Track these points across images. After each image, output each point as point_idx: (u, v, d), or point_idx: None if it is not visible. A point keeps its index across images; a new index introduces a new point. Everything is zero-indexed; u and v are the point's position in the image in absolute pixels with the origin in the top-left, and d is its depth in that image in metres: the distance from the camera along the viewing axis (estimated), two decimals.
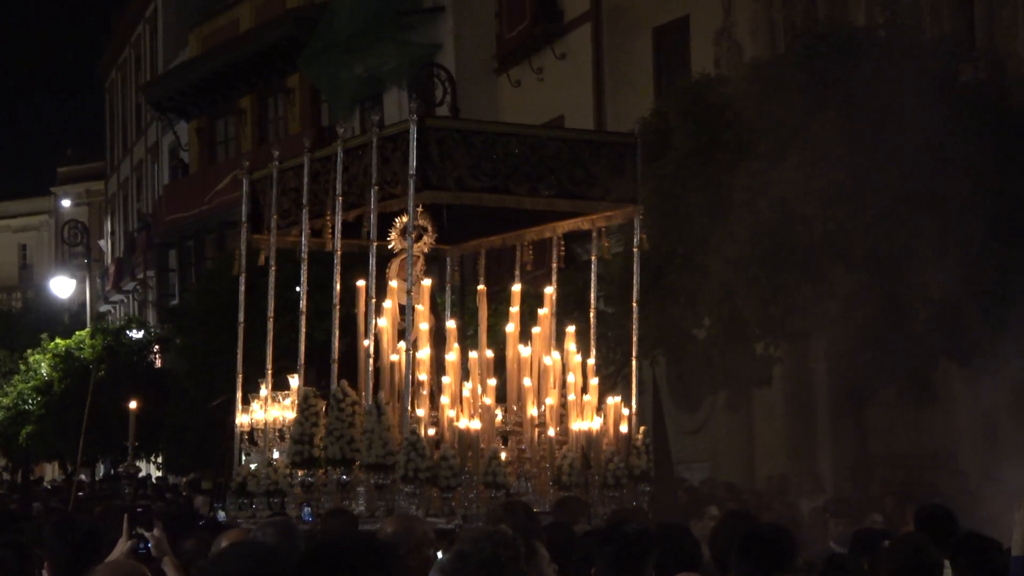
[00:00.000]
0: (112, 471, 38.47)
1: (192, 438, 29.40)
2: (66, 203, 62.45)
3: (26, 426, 36.70)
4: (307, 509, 12.75)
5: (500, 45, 30.87)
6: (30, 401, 36.83)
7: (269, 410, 14.06)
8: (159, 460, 35.53)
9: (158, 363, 38.04)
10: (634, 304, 13.95)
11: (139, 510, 7.94)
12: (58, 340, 37.37)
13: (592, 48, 28.41)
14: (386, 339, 13.26)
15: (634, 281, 13.92)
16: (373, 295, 13.15)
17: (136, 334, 38.18)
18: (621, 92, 27.25)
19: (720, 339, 18.47)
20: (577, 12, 28.93)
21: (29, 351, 38.10)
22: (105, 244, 57.96)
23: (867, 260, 16.89)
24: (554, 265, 14.71)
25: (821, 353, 21.04)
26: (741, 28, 24.30)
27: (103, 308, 54.88)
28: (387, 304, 13.41)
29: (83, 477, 38.22)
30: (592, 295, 14.45)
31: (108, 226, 58.21)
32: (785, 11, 23.48)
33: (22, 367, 37.93)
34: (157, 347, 37.70)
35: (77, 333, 38.69)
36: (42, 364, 36.91)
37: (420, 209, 13.49)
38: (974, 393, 19.13)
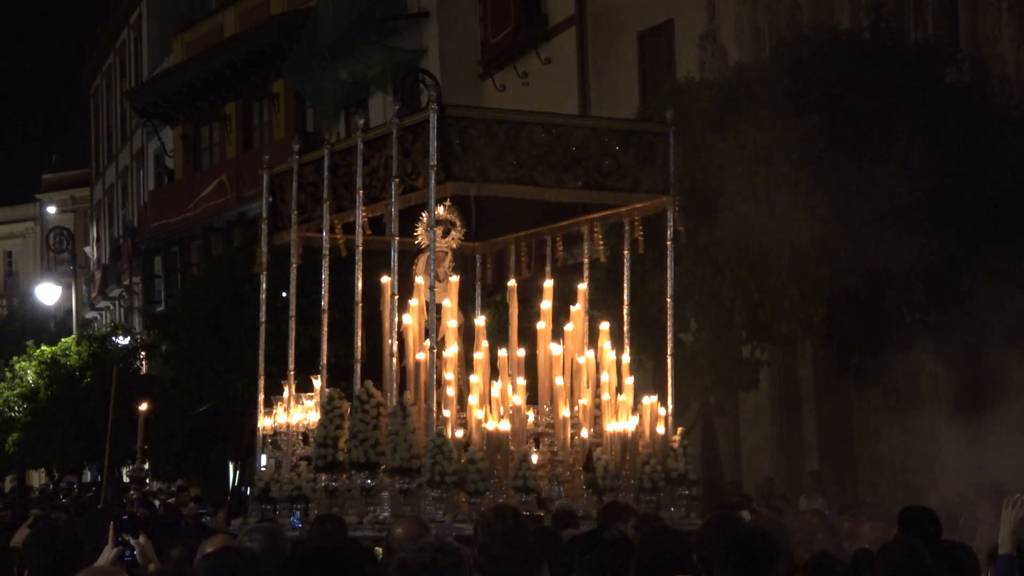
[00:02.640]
0: (99, 477, 38.38)
1: (178, 445, 29.34)
2: (51, 210, 62.33)
3: (12, 433, 36.62)
4: (296, 514, 12.67)
5: (485, 50, 30.85)
6: (16, 408, 36.75)
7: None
8: (146, 466, 35.49)
9: (144, 369, 37.97)
10: (668, 300, 13.39)
11: (125, 517, 7.88)
12: (44, 347, 37.29)
13: (577, 52, 28.40)
14: (412, 337, 12.79)
15: (668, 276, 13.32)
16: (396, 292, 12.65)
17: (122, 340, 38.06)
18: (606, 96, 27.23)
19: (707, 342, 18.47)
20: (562, 16, 28.92)
21: (15, 358, 38.01)
22: (91, 251, 57.82)
23: (853, 263, 16.91)
24: (585, 260, 14.21)
25: (808, 356, 21.04)
26: (726, 32, 24.29)
27: (89, 315, 54.73)
28: (413, 302, 12.91)
29: (73, 482, 38.20)
30: (625, 289, 13.94)
31: (94, 233, 58.08)
32: (770, 15, 23.49)
33: (8, 374, 37.84)
34: (143, 353, 37.62)
35: (63, 340, 38.60)
36: (28, 371, 36.84)
37: (448, 203, 13.07)
38: (959, 395, 19.16)
